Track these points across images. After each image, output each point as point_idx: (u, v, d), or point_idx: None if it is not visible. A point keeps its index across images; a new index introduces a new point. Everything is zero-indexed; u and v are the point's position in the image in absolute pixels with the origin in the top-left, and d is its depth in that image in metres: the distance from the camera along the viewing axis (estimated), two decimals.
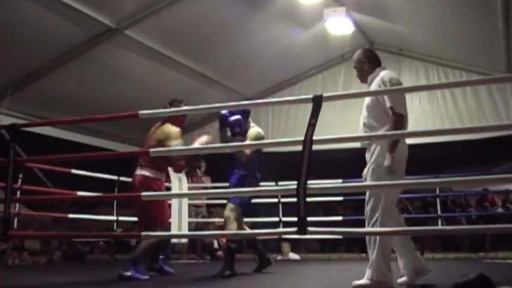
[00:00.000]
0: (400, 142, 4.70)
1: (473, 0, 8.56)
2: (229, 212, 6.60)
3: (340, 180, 8.92)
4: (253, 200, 8.59)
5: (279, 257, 10.99)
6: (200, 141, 6.48)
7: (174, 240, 10.62)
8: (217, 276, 6.38)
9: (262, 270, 7.05)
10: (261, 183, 8.95)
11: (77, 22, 8.30)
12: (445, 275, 5.87)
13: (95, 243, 12.71)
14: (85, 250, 12.31)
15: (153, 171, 6.34)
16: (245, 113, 6.73)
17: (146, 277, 5.99)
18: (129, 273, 5.85)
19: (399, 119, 4.70)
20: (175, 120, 6.44)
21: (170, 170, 10.61)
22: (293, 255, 10.96)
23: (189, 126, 12.33)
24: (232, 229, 6.48)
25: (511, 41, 8.97)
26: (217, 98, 10.59)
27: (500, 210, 11.98)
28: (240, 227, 6.61)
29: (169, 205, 6.51)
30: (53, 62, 9.01)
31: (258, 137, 6.69)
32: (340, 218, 10.13)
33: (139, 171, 6.42)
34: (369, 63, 5.16)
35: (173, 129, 6.31)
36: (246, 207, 6.77)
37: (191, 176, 11.07)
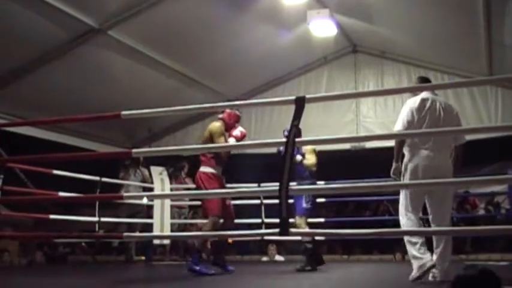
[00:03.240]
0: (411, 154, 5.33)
1: (455, 4, 8.61)
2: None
3: (323, 182, 8.95)
4: (236, 202, 8.65)
5: (265, 258, 11.06)
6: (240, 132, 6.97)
7: (156, 241, 10.62)
8: (298, 271, 7.07)
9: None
10: (243, 185, 8.99)
11: (59, 22, 8.25)
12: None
13: (76, 244, 12.65)
14: (66, 251, 12.25)
15: (206, 167, 6.83)
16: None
17: (213, 271, 6.56)
18: (197, 267, 6.46)
19: None
20: (228, 117, 6.97)
21: (152, 170, 10.72)
22: (278, 257, 11.02)
23: (171, 126, 12.35)
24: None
25: (492, 43, 9.03)
26: (200, 98, 10.59)
27: (482, 212, 12.06)
28: None
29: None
30: (34, 62, 8.95)
31: (315, 152, 7.44)
32: (322, 219, 10.14)
33: (199, 169, 6.93)
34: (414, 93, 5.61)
35: (214, 126, 6.80)
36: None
37: (174, 177, 11.08)
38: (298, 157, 7.26)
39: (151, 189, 10.52)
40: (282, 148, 7.05)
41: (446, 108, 5.36)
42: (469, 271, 3.39)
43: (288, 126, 4.07)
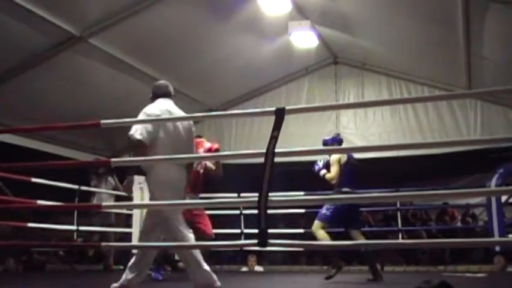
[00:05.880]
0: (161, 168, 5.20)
1: (436, 17, 8.68)
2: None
3: (303, 193, 8.96)
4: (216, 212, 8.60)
5: (244, 269, 11.02)
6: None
7: (134, 251, 10.53)
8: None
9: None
10: (223, 195, 8.97)
11: (40, 29, 8.19)
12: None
13: (53, 252, 12.54)
14: (42, 259, 12.12)
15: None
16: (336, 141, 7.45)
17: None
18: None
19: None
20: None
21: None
22: (258, 268, 10.98)
23: None
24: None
25: (471, 55, 9.12)
26: (181, 108, 10.53)
27: (459, 224, 12.14)
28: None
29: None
30: (14, 69, 8.88)
31: (337, 161, 7.33)
32: (302, 230, 10.13)
33: None
34: (151, 97, 5.92)
35: None
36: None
37: None
38: (322, 172, 7.31)
39: (126, 198, 10.47)
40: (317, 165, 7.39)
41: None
42: (424, 286, 3.38)
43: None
